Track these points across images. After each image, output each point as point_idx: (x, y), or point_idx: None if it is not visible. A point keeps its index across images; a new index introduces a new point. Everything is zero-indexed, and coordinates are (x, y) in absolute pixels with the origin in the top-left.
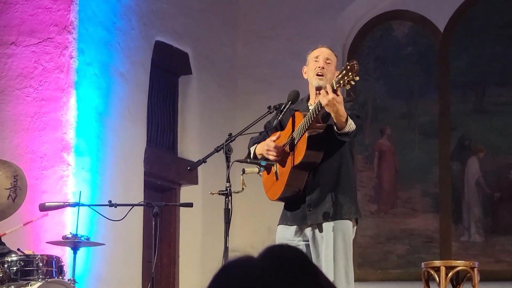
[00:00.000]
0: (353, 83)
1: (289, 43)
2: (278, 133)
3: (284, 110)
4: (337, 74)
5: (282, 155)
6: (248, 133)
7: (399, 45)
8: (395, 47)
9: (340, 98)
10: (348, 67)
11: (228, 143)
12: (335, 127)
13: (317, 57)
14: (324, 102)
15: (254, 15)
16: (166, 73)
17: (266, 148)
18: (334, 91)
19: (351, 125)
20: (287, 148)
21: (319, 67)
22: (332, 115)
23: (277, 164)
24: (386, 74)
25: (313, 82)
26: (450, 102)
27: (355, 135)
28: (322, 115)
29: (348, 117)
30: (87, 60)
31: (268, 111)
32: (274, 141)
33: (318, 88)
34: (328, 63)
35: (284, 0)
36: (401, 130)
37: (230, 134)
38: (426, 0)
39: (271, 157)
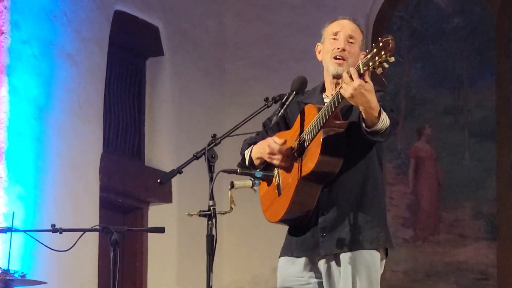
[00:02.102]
0: (386, 65)
1: (295, 13)
2: (283, 137)
3: (288, 103)
4: (364, 54)
5: (288, 162)
6: (238, 134)
7: (442, 15)
8: (437, 19)
9: (369, 85)
10: (381, 44)
11: (212, 147)
12: (363, 125)
13: (336, 34)
14: (348, 92)
15: None
16: (129, 54)
17: (269, 150)
18: (361, 76)
19: (384, 120)
20: (294, 153)
21: (338, 48)
22: (361, 108)
23: (280, 174)
24: (424, 54)
25: (330, 68)
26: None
27: (389, 134)
28: (343, 109)
29: (382, 110)
30: (23, 36)
31: (265, 105)
32: (278, 142)
33: (336, 77)
34: (351, 42)
35: None
36: (446, 130)
37: (214, 136)
38: None
39: (275, 162)
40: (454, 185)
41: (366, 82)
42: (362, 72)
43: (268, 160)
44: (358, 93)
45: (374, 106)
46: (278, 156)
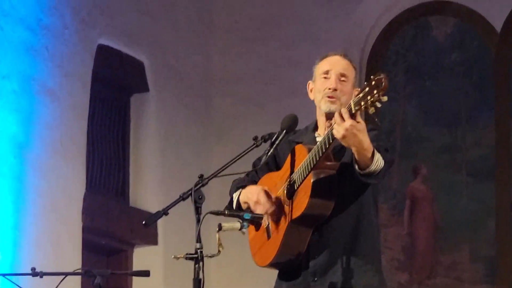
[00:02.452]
0: (379, 105)
1: (285, 47)
2: (273, 177)
3: (277, 142)
4: (357, 93)
5: (278, 205)
6: (226, 174)
7: (439, 50)
8: (434, 53)
9: (361, 126)
10: (373, 82)
11: (199, 188)
12: (356, 166)
13: (327, 73)
14: (339, 133)
15: (235, 10)
16: (113, 90)
17: (255, 199)
18: (353, 116)
19: (378, 162)
20: (284, 196)
21: (330, 88)
22: (353, 150)
23: (270, 216)
24: (421, 90)
25: (322, 106)
26: (511, 129)
27: (384, 175)
28: (335, 149)
29: (375, 151)
30: (2, 71)
31: (254, 144)
32: (266, 191)
33: (329, 115)
34: (343, 80)
35: None
36: (443, 169)
37: (201, 176)
38: None
39: (258, 211)
40: (452, 226)
41: (358, 122)
42: (354, 111)
43: (252, 207)
44: (350, 134)
45: (367, 147)
46: (262, 208)
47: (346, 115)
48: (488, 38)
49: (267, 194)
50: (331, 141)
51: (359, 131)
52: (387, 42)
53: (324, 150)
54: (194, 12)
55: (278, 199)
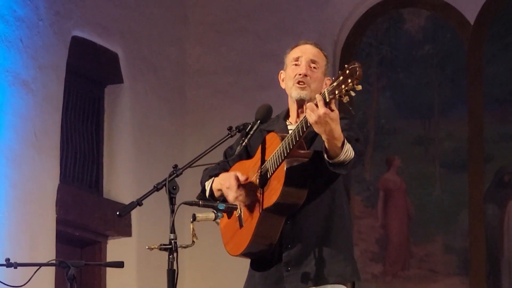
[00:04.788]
0: (353, 93)
1: (259, 40)
2: (244, 166)
3: (252, 132)
4: (329, 82)
5: (250, 194)
6: (200, 165)
7: (412, 42)
8: (407, 46)
9: (335, 114)
10: (347, 71)
11: (173, 178)
12: (325, 155)
13: (297, 59)
14: (312, 118)
15: (209, 2)
16: (87, 82)
17: (227, 184)
18: (327, 104)
19: (348, 152)
20: (256, 184)
21: (300, 74)
22: (323, 137)
23: (242, 204)
24: (394, 83)
25: (293, 93)
26: (484, 122)
27: (353, 166)
28: (306, 137)
29: (345, 141)
30: None
31: (229, 134)
32: (238, 176)
33: (300, 102)
34: (314, 67)
35: None
36: (416, 161)
37: (175, 166)
38: None
39: (229, 198)
40: (425, 218)
41: (332, 110)
42: (328, 100)
43: (224, 193)
44: (323, 121)
45: (337, 136)
46: (232, 193)
47: (320, 103)
48: (461, 30)
49: (239, 179)
50: (305, 129)
51: (331, 119)
52: (360, 35)
53: (298, 138)
54: (168, 4)
55: (250, 185)
